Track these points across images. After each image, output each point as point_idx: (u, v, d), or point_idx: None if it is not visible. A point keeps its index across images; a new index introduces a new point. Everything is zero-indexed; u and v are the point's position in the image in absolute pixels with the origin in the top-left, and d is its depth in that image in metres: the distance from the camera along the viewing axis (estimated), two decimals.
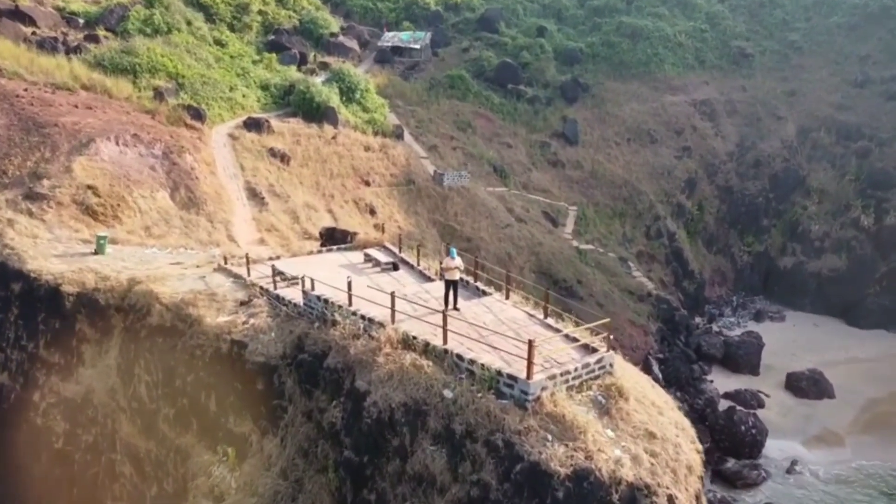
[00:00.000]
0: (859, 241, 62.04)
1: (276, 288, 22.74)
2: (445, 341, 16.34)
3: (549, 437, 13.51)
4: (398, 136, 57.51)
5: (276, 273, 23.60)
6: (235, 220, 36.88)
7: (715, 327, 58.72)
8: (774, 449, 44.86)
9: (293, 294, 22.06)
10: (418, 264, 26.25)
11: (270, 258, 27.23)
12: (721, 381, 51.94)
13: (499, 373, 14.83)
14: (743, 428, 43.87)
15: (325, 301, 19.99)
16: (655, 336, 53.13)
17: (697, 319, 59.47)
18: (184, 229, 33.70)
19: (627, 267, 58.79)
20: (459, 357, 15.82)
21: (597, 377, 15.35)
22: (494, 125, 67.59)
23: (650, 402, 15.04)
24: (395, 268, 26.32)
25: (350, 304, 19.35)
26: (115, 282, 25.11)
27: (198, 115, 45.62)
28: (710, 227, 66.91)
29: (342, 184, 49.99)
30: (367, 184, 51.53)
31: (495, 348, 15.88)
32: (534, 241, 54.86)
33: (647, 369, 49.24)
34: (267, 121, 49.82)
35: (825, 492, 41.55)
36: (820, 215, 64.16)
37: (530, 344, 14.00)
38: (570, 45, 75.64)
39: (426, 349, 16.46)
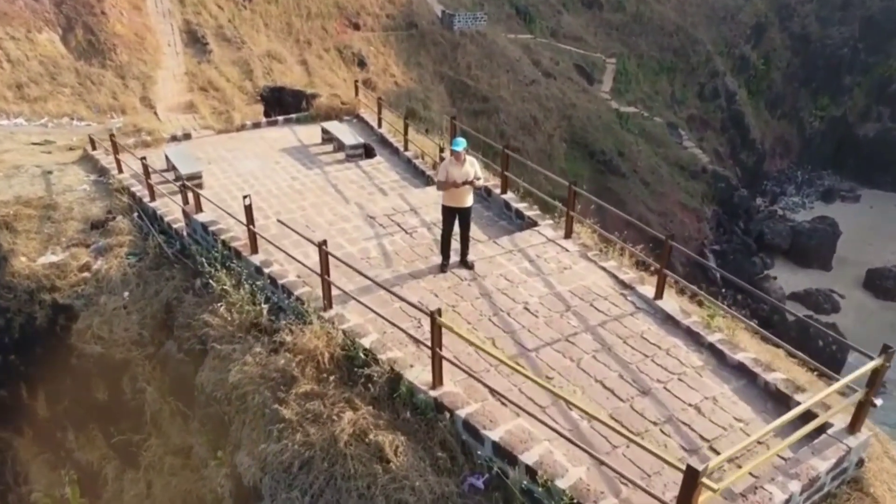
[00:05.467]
0: None
1: (153, 198, 13.03)
2: (438, 380, 6.87)
3: None
4: None
5: (168, 167, 13.92)
6: (160, 75, 26.43)
7: (778, 210, 48.81)
8: (850, 365, 36.73)
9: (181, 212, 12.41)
10: (406, 147, 16.32)
11: (174, 138, 17.31)
12: (786, 278, 42.92)
13: None
14: (820, 343, 35.34)
15: (214, 236, 10.40)
16: (710, 222, 43.63)
17: (758, 200, 49.48)
18: (78, 89, 23.48)
19: (677, 135, 48.23)
20: (473, 432, 6.42)
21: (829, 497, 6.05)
22: None
23: None
24: (370, 153, 16.48)
25: (253, 250, 9.72)
26: None
27: None
28: (777, 86, 54.94)
29: (322, 27, 38.78)
30: (356, 27, 40.38)
31: (547, 415, 6.40)
32: (565, 102, 44.31)
33: (701, 265, 40.36)
34: None
35: None
36: None
37: (689, 478, 4.53)
38: None
39: (394, 393, 7.04)
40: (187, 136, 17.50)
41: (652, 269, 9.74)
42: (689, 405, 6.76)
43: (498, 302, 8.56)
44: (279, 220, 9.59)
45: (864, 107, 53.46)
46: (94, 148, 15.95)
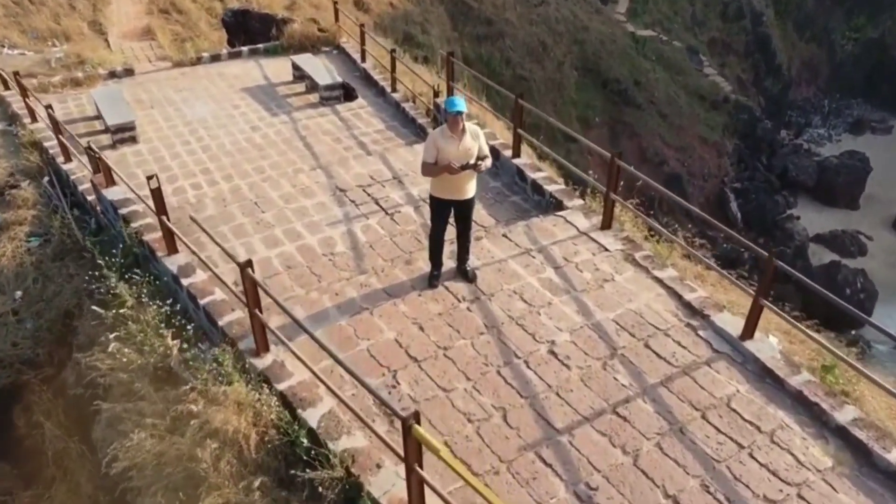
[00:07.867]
0: None
1: (67, 159, 10.20)
2: (417, 501, 4.30)
3: None
4: None
5: (96, 114, 11.04)
6: None
7: (804, 144, 45.46)
8: (879, 313, 34.41)
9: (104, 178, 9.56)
10: (394, 88, 13.33)
11: (112, 74, 14.28)
12: (810, 218, 40.01)
13: None
14: (848, 291, 32.88)
15: (126, 221, 7.67)
16: (731, 157, 40.46)
17: (782, 133, 46.03)
18: (12, 9, 20.20)
19: (698, 61, 44.44)
20: None
21: None
22: None
23: None
24: (349, 95, 13.49)
25: (170, 248, 7.00)
26: None
27: None
28: (807, 5, 50.56)
29: None
30: None
31: None
32: (577, 26, 40.47)
33: (721, 205, 37.52)
34: None
35: None
36: None
37: None
38: None
39: None
40: (129, 72, 14.43)
41: (705, 271, 7.06)
42: None
43: (511, 340, 5.92)
44: (191, 217, 6.78)
45: None
46: (6, 87, 12.95)
